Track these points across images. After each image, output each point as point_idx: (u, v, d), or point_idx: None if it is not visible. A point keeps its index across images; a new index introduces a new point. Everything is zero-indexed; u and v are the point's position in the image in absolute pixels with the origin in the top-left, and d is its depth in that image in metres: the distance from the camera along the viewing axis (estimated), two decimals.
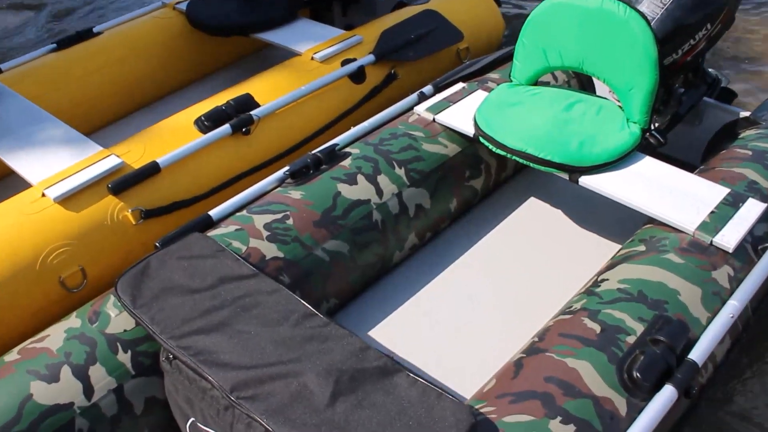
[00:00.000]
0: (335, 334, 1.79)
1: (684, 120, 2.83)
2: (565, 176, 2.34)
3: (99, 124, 3.39)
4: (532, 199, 2.78)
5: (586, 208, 2.72)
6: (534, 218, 2.69)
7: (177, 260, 2.06)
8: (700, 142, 2.87)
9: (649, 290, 1.92)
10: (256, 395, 1.64)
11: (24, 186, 2.62)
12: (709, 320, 1.89)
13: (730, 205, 2.17)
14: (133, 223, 2.51)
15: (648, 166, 2.35)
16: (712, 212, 2.15)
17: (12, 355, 1.94)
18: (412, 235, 2.48)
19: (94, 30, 3.54)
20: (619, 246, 2.54)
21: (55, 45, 3.44)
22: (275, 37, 3.30)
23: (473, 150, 2.64)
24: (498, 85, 2.78)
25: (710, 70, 2.90)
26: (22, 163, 2.60)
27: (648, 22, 2.36)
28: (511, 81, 2.72)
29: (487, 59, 3.04)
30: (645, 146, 2.49)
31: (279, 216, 2.25)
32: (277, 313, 1.86)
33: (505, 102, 2.57)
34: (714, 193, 2.23)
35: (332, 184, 2.37)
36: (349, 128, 2.73)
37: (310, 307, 1.88)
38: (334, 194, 2.34)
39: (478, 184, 2.67)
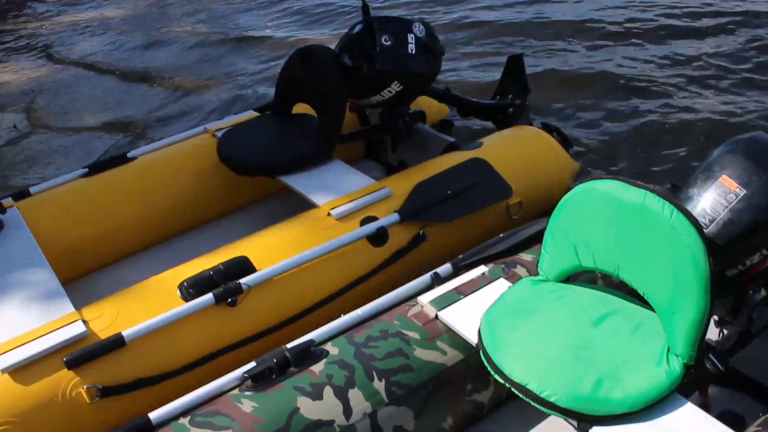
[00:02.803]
0: None
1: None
2: (573, 423, 1.86)
3: (108, 261, 3.20)
4: (551, 419, 2.29)
5: None
6: None
7: None
8: None
9: None
10: None
11: None
12: None
13: None
14: (88, 401, 2.23)
15: (685, 420, 1.83)
16: None
17: None
18: None
19: (129, 155, 3.39)
20: None
21: (86, 170, 3.31)
22: (298, 182, 3.01)
23: (479, 359, 2.20)
24: (526, 274, 2.35)
25: None
26: None
27: (700, 231, 1.87)
28: (538, 274, 2.27)
29: (522, 234, 2.60)
30: (694, 379, 1.97)
31: None
32: None
33: (521, 306, 2.12)
34: None
35: (293, 396, 1.99)
36: (340, 315, 2.35)
37: None
38: (290, 411, 1.96)
39: (484, 398, 2.22)
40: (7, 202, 3.12)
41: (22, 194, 3.21)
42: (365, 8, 3.56)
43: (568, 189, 2.15)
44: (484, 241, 2.92)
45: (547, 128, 3.46)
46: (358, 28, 3.13)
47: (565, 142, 3.48)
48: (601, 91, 4.50)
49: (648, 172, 3.67)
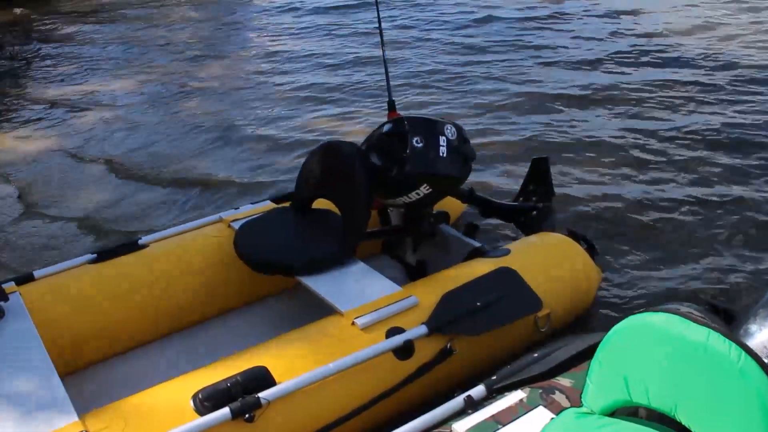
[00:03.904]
0: None
1: None
2: None
3: (114, 353, 3.04)
4: None
5: None
6: None
7: None
8: None
9: None
10: None
11: None
12: None
13: None
14: None
15: None
16: None
17: None
18: None
19: (140, 242, 3.25)
20: None
21: (95, 255, 3.17)
22: (319, 285, 2.87)
23: None
24: (566, 401, 2.19)
25: None
26: None
27: None
28: (582, 405, 2.12)
29: (558, 357, 2.46)
30: None
31: None
32: None
33: None
34: None
35: None
36: None
37: None
38: None
39: None
40: (10, 287, 2.96)
41: (25, 279, 3.06)
42: (391, 104, 3.50)
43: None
44: (511, 354, 2.80)
45: (574, 236, 3.36)
46: (387, 127, 3.05)
47: (592, 250, 3.38)
48: (632, 196, 4.41)
49: (681, 286, 3.54)
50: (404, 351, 2.58)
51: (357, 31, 8.46)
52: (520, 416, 2.17)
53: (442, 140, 2.95)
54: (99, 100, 7.04)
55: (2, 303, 2.83)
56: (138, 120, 6.42)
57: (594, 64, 6.80)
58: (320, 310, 2.88)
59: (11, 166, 5.68)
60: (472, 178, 3.23)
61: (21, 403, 2.31)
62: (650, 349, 1.93)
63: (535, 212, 3.64)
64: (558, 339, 2.72)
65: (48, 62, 8.40)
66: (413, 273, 3.40)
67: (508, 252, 3.09)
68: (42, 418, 2.24)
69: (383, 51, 3.69)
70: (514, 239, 3.52)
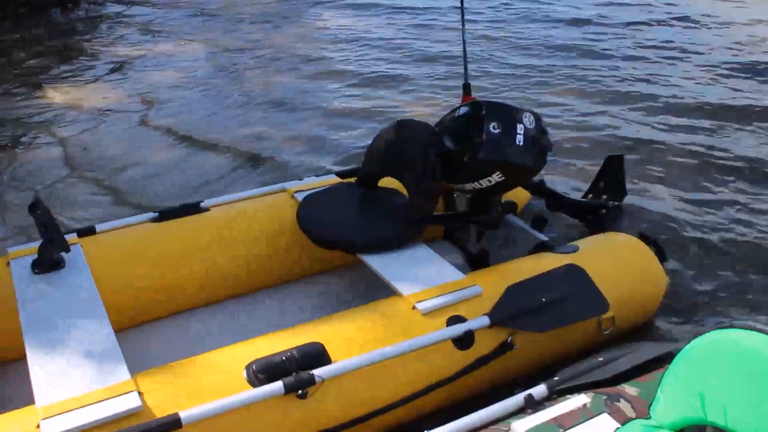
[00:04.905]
0: None
1: None
2: None
3: (167, 313, 3.03)
4: None
5: None
6: None
7: None
8: None
9: None
10: None
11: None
12: None
13: None
14: None
15: None
16: None
17: None
18: None
19: (202, 205, 3.23)
20: None
21: (156, 214, 3.16)
22: (381, 265, 2.80)
23: None
24: (631, 411, 2.10)
25: None
26: (36, 373, 2.22)
27: None
28: (649, 417, 2.02)
29: (624, 363, 2.36)
30: None
31: None
32: None
33: None
34: None
35: None
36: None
37: None
38: None
39: None
40: (71, 238, 2.97)
41: (86, 231, 3.06)
42: (467, 87, 3.40)
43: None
44: (572, 355, 2.72)
45: (644, 238, 3.22)
46: (463, 110, 2.96)
47: (661, 255, 3.25)
48: (709, 206, 4.22)
49: (751, 301, 3.38)
50: (464, 341, 2.50)
51: (438, 23, 8.32)
52: (582, 422, 2.07)
53: (520, 128, 2.84)
54: (163, 63, 7.07)
55: (63, 254, 2.83)
56: (203, 86, 6.44)
57: (688, 72, 6.51)
58: (379, 290, 2.82)
59: (74, 122, 5.74)
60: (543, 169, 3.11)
61: (75, 356, 2.31)
62: (734, 368, 1.81)
63: (604, 211, 3.52)
64: (623, 345, 2.62)
65: (116, 23, 8.48)
66: (475, 261, 3.32)
67: (576, 249, 2.98)
68: (94, 373, 2.22)
69: (463, 31, 3.58)
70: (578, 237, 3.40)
